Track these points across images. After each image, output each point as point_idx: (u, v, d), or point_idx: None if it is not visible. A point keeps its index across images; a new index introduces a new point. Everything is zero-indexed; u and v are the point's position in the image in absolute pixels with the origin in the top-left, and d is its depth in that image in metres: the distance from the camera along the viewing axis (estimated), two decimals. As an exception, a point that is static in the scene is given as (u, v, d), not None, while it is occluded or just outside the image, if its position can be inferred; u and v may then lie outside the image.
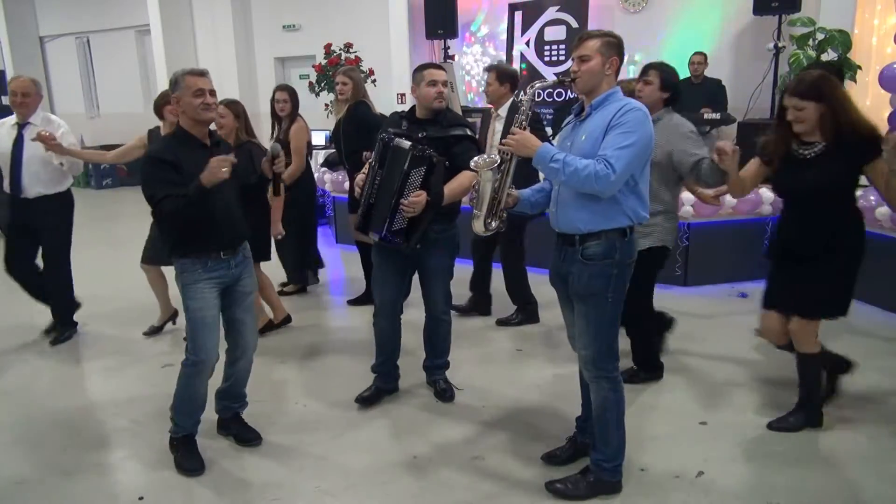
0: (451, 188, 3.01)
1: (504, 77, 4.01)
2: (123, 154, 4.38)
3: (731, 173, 2.88)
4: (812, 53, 6.03)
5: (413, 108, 3.24)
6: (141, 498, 2.64)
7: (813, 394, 3.00)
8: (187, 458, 2.82)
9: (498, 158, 2.52)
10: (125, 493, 2.69)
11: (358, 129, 4.36)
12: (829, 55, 5.94)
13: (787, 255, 2.91)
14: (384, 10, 9.06)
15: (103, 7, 11.85)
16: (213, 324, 2.76)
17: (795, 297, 2.88)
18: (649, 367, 3.52)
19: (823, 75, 2.73)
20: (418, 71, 3.17)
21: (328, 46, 8.52)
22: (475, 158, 2.56)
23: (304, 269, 5.25)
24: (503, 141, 2.48)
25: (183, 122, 2.71)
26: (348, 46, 8.45)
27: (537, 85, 2.60)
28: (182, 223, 2.64)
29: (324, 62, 8.40)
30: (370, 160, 3.09)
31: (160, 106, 4.07)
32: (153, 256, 4.20)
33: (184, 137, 2.70)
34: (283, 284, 5.19)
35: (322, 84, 8.33)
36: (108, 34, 12.12)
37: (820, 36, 6.01)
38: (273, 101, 4.84)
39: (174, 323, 4.46)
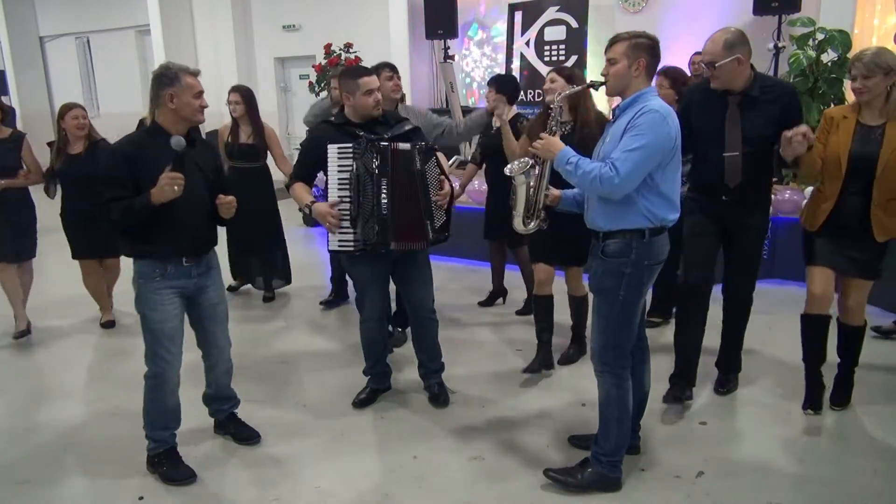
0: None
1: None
2: None
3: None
4: (812, 53, 6.02)
5: (342, 114, 3.11)
6: (141, 498, 2.65)
7: (583, 328, 3.77)
8: (174, 469, 2.74)
9: (530, 162, 2.68)
10: (125, 493, 2.69)
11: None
12: (829, 55, 5.93)
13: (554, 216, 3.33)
14: (384, 10, 9.06)
15: (103, 7, 11.84)
16: (174, 335, 2.62)
17: (567, 251, 3.49)
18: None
19: (574, 68, 3.55)
20: (351, 78, 3.00)
21: (328, 46, 8.52)
22: (510, 165, 2.72)
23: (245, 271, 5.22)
24: (532, 145, 2.58)
25: (166, 119, 2.55)
26: (348, 46, 8.45)
27: (567, 92, 2.69)
28: (131, 226, 2.53)
29: (324, 62, 8.40)
30: (349, 170, 2.88)
31: None
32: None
33: (158, 133, 2.53)
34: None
35: (322, 84, 8.33)
36: (108, 34, 12.12)
37: (820, 36, 5.99)
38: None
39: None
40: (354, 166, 2.88)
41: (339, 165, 2.91)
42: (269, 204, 4.93)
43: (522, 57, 8.28)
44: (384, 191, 2.89)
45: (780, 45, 6.63)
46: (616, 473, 2.58)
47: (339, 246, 2.96)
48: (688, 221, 3.17)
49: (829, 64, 5.87)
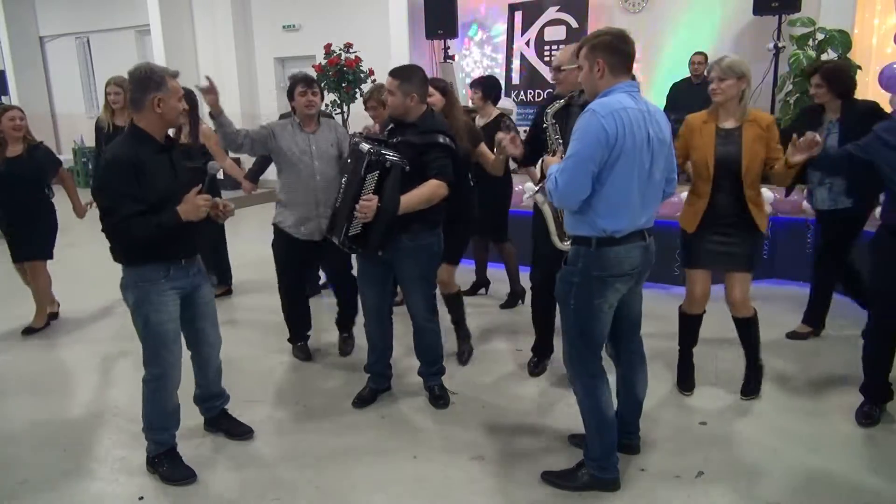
0: (408, 197, 2.86)
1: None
2: None
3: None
4: (812, 53, 6.04)
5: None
6: (141, 498, 2.65)
7: (461, 322, 3.95)
8: (175, 469, 2.74)
9: (541, 184, 2.81)
10: (125, 493, 2.69)
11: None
12: (829, 55, 5.94)
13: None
14: (384, 10, 9.07)
15: (103, 7, 11.85)
16: (176, 335, 2.66)
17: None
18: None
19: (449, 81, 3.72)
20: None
21: (328, 46, 8.52)
22: (532, 191, 2.76)
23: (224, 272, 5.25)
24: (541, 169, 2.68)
25: (149, 123, 2.50)
26: (348, 46, 8.45)
27: (550, 111, 2.76)
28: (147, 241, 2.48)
29: (324, 62, 8.41)
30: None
31: None
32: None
33: (143, 138, 2.50)
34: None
35: (322, 84, 8.34)
36: (108, 34, 12.13)
37: (820, 36, 6.01)
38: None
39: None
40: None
41: None
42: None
43: (522, 57, 8.29)
44: (342, 185, 3.00)
45: (780, 45, 6.64)
46: (610, 475, 2.58)
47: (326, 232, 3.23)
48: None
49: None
